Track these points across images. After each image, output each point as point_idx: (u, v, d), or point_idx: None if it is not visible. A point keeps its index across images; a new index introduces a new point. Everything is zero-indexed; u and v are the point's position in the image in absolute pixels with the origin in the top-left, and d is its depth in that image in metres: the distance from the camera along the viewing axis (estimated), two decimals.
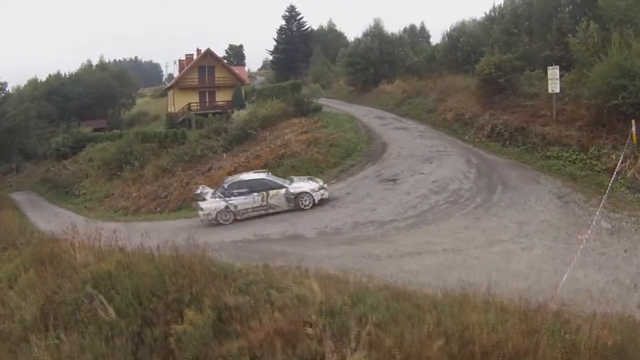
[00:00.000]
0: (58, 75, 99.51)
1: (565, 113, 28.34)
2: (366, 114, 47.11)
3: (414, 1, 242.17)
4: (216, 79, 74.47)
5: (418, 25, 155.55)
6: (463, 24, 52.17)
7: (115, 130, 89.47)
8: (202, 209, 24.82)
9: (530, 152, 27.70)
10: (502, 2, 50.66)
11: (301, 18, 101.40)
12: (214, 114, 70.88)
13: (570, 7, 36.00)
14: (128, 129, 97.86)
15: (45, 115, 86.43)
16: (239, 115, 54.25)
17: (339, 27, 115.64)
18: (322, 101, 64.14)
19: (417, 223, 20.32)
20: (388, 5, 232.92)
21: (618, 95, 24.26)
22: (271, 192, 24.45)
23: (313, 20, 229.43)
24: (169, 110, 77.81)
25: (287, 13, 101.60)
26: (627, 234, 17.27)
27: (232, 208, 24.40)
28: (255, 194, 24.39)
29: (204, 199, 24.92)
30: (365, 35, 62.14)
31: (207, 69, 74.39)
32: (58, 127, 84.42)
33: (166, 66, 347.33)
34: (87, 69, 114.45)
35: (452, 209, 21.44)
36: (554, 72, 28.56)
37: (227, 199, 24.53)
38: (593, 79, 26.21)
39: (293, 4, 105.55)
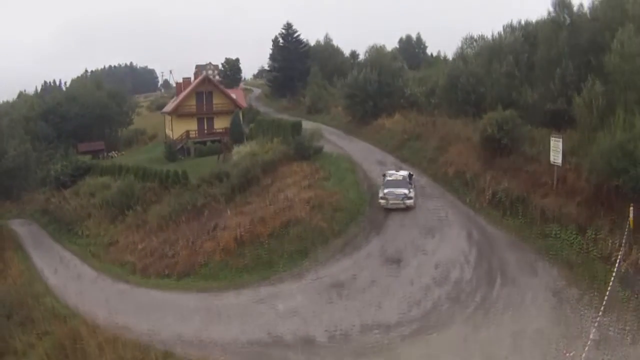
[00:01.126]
0: (54, 90, 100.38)
1: (566, 182, 29.56)
2: (366, 157, 48.34)
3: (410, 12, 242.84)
4: (214, 105, 75.62)
5: (414, 36, 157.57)
6: (464, 58, 52.46)
7: (113, 154, 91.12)
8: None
9: (529, 227, 28.89)
10: (503, 33, 51.87)
11: (298, 36, 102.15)
12: (212, 141, 72.45)
13: (575, 60, 37.27)
14: (126, 149, 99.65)
15: (42, 137, 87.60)
16: (239, 152, 55.68)
17: (335, 41, 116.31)
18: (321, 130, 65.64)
19: (421, 330, 21.52)
20: (385, 15, 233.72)
21: (619, 177, 25.46)
22: None
23: (309, 34, 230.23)
24: (167, 134, 79.00)
25: (283, 31, 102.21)
26: (613, 346, 18.49)
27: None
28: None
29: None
30: (364, 64, 62.81)
31: (205, 95, 75.55)
32: (56, 150, 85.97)
33: (162, 75, 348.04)
34: (83, 85, 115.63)
35: (454, 310, 22.66)
36: (556, 144, 29.67)
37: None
38: (595, 156, 27.28)
39: (290, 22, 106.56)
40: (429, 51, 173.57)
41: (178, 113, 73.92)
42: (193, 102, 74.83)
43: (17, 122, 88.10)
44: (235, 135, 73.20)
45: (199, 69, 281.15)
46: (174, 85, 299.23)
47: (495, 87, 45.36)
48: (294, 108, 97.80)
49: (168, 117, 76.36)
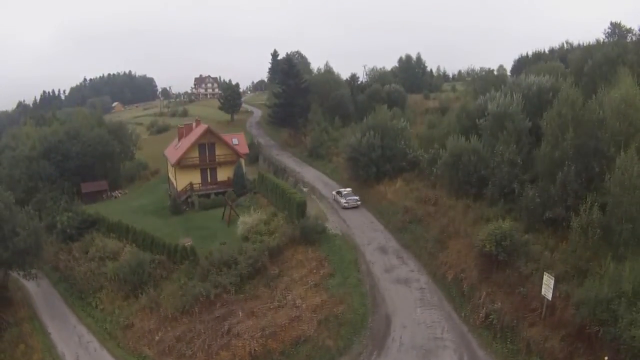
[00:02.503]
0: (55, 128, 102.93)
1: (554, 313, 32.91)
2: (369, 239, 51.74)
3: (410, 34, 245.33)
4: (217, 156, 79.01)
5: (414, 55, 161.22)
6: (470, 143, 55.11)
7: (117, 194, 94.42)
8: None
9: (515, 356, 32.43)
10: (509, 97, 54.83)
11: (298, 71, 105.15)
12: (216, 194, 76.01)
13: (578, 163, 39.24)
14: (129, 185, 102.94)
15: (45, 177, 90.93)
16: (245, 223, 59.21)
17: (336, 69, 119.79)
18: (321, 186, 69.20)
19: None
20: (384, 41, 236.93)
21: (603, 324, 28.90)
22: None
23: (307, 49, 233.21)
24: (171, 181, 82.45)
25: (285, 68, 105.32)
26: None
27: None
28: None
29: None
30: (368, 128, 65.85)
31: (208, 147, 78.84)
32: (59, 190, 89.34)
33: (159, 91, 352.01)
34: (83, 116, 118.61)
35: None
36: (549, 281, 32.93)
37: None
38: (582, 299, 30.33)
39: (291, 58, 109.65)
40: (429, 67, 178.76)
41: (181, 165, 77.17)
42: (196, 154, 78.16)
43: (21, 162, 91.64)
44: (239, 187, 76.96)
45: (198, 81, 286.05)
46: (172, 94, 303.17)
47: (497, 173, 47.89)
48: (295, 145, 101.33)
49: (172, 171, 79.55)
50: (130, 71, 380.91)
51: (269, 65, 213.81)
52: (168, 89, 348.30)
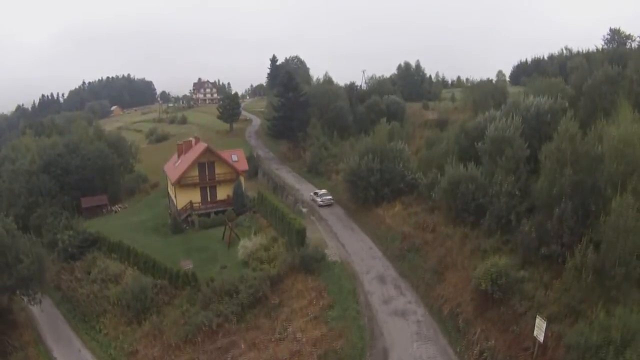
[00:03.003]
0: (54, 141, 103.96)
1: (545, 354, 34.28)
2: (368, 267, 52.99)
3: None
4: (216, 175, 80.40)
5: (413, 63, 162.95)
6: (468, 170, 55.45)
7: (117, 209, 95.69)
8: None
9: None
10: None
11: (297, 84, 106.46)
12: (216, 213, 77.44)
13: (575, 200, 40.09)
14: (129, 198, 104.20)
15: (45, 192, 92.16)
16: (245, 247, 60.66)
17: (335, 71, 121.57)
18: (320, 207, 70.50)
19: None
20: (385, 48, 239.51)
21: None
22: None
23: (306, 53, 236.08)
24: (171, 197, 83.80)
25: (284, 80, 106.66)
26: None
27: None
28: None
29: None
30: (367, 151, 67.16)
31: (207, 165, 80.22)
32: (59, 205, 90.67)
33: (158, 95, 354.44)
34: (82, 128, 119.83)
35: None
36: (540, 324, 34.07)
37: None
38: (573, 343, 31.45)
39: (290, 71, 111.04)
40: (428, 73, 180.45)
41: (181, 184, 78.51)
42: (196, 172, 79.53)
43: (20, 176, 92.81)
44: (238, 205, 78.40)
45: (197, 86, 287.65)
46: (171, 97, 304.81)
47: (495, 203, 49.05)
48: (294, 159, 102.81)
49: (172, 189, 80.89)
50: (129, 74, 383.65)
51: (268, 71, 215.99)
52: (167, 92, 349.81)
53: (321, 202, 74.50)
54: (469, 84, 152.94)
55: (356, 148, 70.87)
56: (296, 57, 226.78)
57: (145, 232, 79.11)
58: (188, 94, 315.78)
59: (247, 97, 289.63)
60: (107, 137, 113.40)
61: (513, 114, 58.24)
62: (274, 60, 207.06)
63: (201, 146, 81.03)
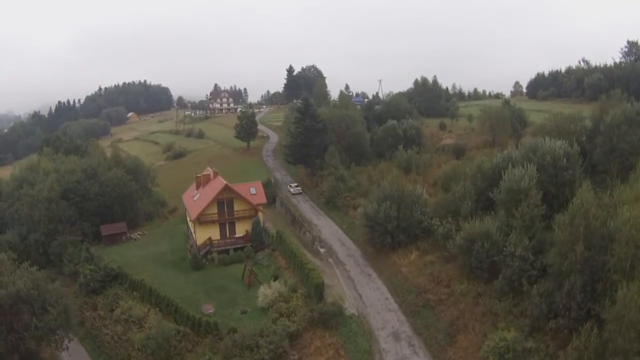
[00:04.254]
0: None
1: None
2: (383, 321, 55.53)
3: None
4: (235, 212, 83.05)
5: (430, 78, 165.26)
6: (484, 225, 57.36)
7: (136, 236, 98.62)
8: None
9: None
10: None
11: (314, 112, 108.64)
12: (235, 249, 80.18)
13: (585, 276, 42.23)
14: (147, 224, 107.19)
15: (64, 219, 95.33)
16: (266, 295, 63.30)
17: (353, 75, 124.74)
18: (338, 246, 73.24)
19: None
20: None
21: None
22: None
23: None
24: (190, 234, 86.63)
25: (301, 106, 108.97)
26: None
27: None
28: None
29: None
30: (385, 197, 69.44)
31: (226, 203, 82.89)
32: (79, 233, 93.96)
33: (174, 100, 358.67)
34: (100, 153, 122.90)
35: None
36: None
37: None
38: None
39: (307, 98, 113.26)
40: (444, 85, 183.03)
41: (200, 221, 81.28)
42: (215, 210, 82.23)
43: (40, 203, 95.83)
44: (257, 242, 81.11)
45: (214, 96, 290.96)
46: (187, 103, 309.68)
47: (509, 263, 51.22)
48: (312, 186, 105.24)
49: (192, 226, 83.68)
50: (145, 80, 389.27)
51: (285, 81, 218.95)
52: (183, 98, 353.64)
53: (293, 192, 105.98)
54: (484, 105, 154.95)
55: (374, 194, 72.65)
56: (313, 66, 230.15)
57: (165, 266, 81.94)
58: (204, 98, 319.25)
59: (264, 106, 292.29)
60: (125, 161, 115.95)
61: (528, 162, 60.33)
62: (290, 70, 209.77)
63: (220, 183, 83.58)
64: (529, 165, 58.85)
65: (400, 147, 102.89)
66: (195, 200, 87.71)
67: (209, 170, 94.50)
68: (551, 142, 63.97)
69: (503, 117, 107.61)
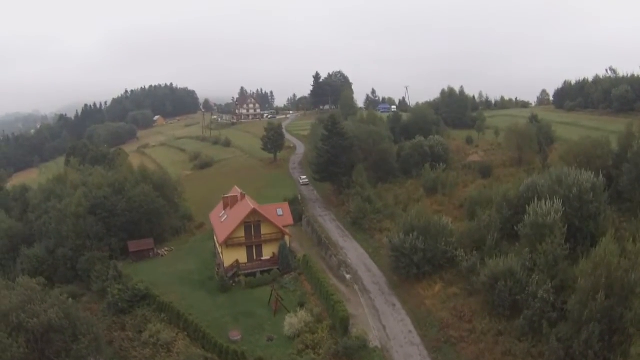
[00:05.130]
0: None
1: None
2: (406, 356, 57.67)
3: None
4: (262, 235, 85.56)
5: (457, 89, 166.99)
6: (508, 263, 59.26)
7: (163, 252, 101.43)
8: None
9: None
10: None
11: (341, 129, 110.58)
12: (262, 272, 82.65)
13: (602, 325, 43.94)
14: (174, 239, 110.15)
15: (92, 235, 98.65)
16: (292, 325, 65.64)
17: (377, 87, 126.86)
18: (363, 271, 75.71)
19: None
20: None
21: None
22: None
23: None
24: (218, 255, 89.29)
25: (329, 125, 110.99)
26: None
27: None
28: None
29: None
30: (412, 228, 71.36)
31: (254, 225, 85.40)
32: (108, 249, 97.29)
33: (201, 103, 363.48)
34: (128, 170, 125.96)
35: None
36: None
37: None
38: None
39: (334, 115, 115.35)
40: (471, 93, 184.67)
41: (228, 244, 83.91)
42: (242, 233, 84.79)
43: (68, 218, 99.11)
44: (284, 265, 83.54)
45: (240, 101, 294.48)
46: (214, 105, 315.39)
47: (530, 304, 53.18)
48: (339, 205, 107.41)
49: (220, 249, 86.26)
50: (171, 83, 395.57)
51: (311, 87, 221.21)
52: (209, 101, 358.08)
53: (302, 183, 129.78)
54: (511, 115, 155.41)
55: (401, 223, 74.56)
56: (339, 72, 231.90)
57: (192, 286, 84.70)
58: (231, 101, 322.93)
59: (291, 112, 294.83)
60: (152, 176, 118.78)
61: (554, 195, 61.85)
62: (317, 77, 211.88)
63: (247, 207, 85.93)
64: (555, 199, 60.66)
65: (427, 165, 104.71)
66: (223, 221, 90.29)
67: (236, 191, 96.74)
68: (577, 174, 65.30)
69: (530, 135, 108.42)
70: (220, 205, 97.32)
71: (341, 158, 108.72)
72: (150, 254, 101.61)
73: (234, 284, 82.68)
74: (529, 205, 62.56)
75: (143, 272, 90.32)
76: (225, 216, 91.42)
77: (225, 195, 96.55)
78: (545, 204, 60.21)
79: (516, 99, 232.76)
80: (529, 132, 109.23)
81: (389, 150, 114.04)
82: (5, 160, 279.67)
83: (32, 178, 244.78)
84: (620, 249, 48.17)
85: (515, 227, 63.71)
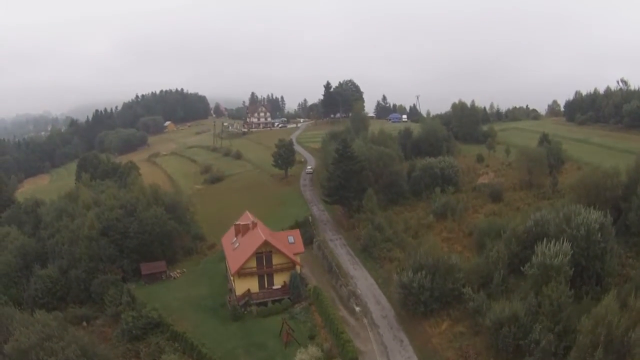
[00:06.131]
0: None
1: None
2: None
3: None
4: (274, 265, 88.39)
5: (468, 102, 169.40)
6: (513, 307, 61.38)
7: (176, 275, 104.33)
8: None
9: None
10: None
11: (352, 153, 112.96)
12: (273, 302, 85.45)
13: None
14: (186, 260, 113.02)
15: (105, 258, 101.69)
16: None
17: (388, 93, 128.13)
18: (373, 303, 78.47)
19: None
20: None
21: None
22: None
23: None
24: (229, 284, 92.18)
25: (340, 148, 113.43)
26: None
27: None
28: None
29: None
30: (420, 267, 73.64)
31: (265, 255, 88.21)
32: (120, 271, 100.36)
33: (212, 109, 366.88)
34: (140, 190, 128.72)
35: None
36: None
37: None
38: None
39: (345, 139, 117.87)
40: (482, 105, 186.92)
41: (240, 274, 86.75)
42: (254, 263, 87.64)
43: (80, 240, 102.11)
44: (295, 295, 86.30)
45: (251, 110, 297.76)
46: (225, 112, 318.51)
47: (533, 352, 55.60)
48: (350, 228, 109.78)
49: (232, 279, 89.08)
50: (182, 89, 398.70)
51: (322, 95, 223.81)
52: (220, 106, 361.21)
53: (307, 172, 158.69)
54: (521, 128, 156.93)
55: (410, 260, 76.98)
56: (350, 80, 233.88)
57: (205, 313, 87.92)
58: (241, 105, 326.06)
59: (301, 120, 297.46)
60: (164, 198, 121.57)
61: (561, 235, 64.26)
62: (327, 86, 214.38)
63: (259, 238, 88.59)
64: (563, 240, 63.33)
65: (438, 190, 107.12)
66: (235, 249, 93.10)
67: (247, 217, 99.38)
68: (586, 214, 67.33)
69: (540, 159, 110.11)
70: (232, 230, 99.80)
71: (352, 182, 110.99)
72: (163, 276, 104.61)
73: (245, 312, 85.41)
74: (537, 243, 64.86)
75: (156, 295, 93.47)
76: (237, 244, 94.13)
77: (237, 223, 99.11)
78: (554, 244, 62.67)
79: (527, 106, 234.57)
80: (539, 155, 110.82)
81: (399, 172, 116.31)
82: (16, 165, 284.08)
83: (42, 184, 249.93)
84: (620, 302, 50.46)
85: (522, 267, 65.78)
